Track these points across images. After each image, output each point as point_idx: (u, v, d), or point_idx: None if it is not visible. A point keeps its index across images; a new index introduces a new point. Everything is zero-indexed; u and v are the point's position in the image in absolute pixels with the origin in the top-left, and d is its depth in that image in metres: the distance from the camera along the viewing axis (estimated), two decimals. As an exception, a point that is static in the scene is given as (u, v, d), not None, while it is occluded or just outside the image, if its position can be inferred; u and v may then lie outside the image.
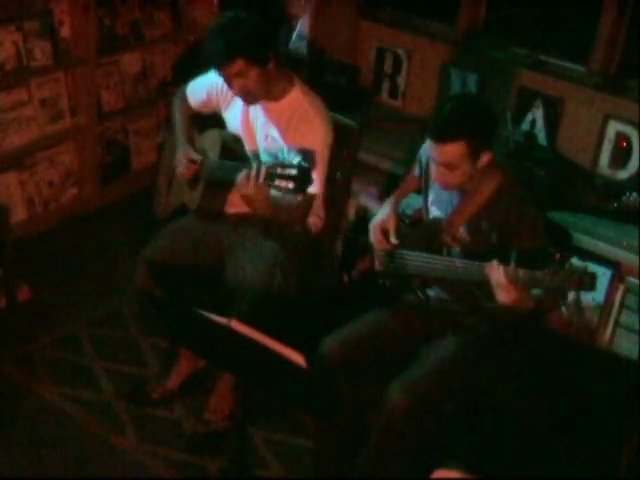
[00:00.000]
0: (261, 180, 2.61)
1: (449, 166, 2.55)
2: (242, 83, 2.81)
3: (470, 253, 2.66)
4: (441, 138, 2.52)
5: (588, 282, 2.36)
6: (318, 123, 2.90)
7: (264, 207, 2.78)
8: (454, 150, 2.51)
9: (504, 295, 2.43)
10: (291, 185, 2.56)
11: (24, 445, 3.05)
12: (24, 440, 3.07)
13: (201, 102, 3.14)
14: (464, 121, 2.52)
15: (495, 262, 2.44)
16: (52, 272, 3.90)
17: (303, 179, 2.57)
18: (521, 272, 2.40)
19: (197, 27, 4.59)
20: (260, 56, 2.79)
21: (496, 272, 2.43)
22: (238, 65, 2.76)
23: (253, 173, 2.64)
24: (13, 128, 3.99)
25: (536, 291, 2.46)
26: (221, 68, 2.80)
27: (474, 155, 2.54)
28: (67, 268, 3.96)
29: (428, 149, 2.61)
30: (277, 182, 2.58)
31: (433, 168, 2.64)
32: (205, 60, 2.87)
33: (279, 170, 2.58)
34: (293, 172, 2.56)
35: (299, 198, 2.63)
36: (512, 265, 2.41)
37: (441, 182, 2.64)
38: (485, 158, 2.57)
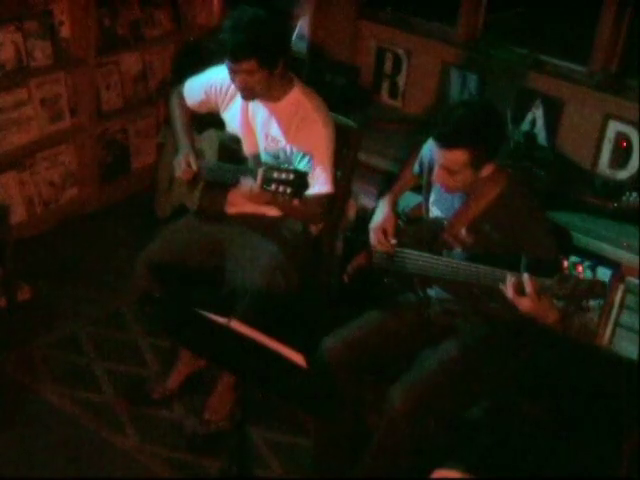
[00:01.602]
0: (258, 184, 2.62)
1: (450, 171, 2.55)
2: (246, 79, 2.82)
3: (471, 254, 2.66)
4: (445, 144, 2.52)
5: (598, 290, 2.36)
6: (320, 122, 2.90)
7: (269, 205, 2.81)
8: (457, 157, 2.51)
9: (522, 304, 2.43)
10: (288, 190, 2.57)
11: (24, 445, 3.05)
12: (24, 440, 3.07)
13: (199, 102, 3.14)
14: (471, 131, 2.51)
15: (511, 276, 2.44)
16: (52, 272, 3.90)
17: (300, 184, 2.57)
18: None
19: (197, 27, 4.59)
20: (272, 62, 2.80)
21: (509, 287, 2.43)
22: (250, 65, 2.77)
23: (251, 179, 2.65)
24: (13, 128, 3.99)
25: (559, 303, 2.46)
26: (233, 61, 2.81)
27: (476, 165, 2.54)
28: (67, 268, 3.96)
29: (432, 150, 2.61)
30: (274, 186, 2.58)
31: (435, 168, 2.64)
32: (202, 58, 2.87)
33: (276, 174, 2.58)
34: (290, 177, 2.57)
35: (295, 202, 2.63)
36: (528, 276, 2.39)
37: (440, 184, 2.64)
38: (487, 169, 2.57)
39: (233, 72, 2.84)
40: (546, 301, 2.40)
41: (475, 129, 2.52)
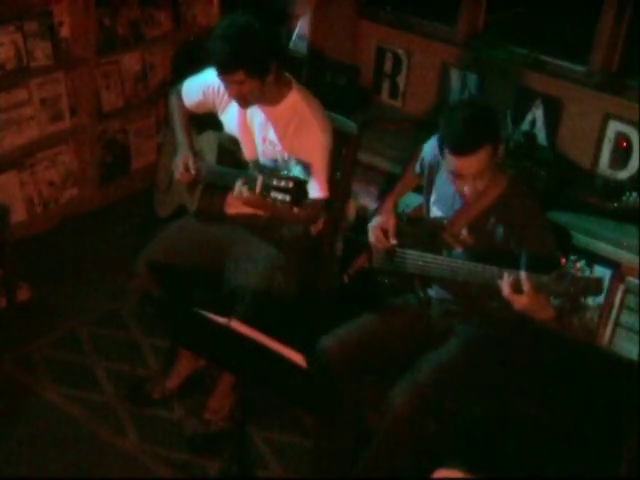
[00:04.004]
0: (257, 191, 2.61)
1: (478, 173, 2.54)
2: (238, 89, 2.82)
3: (471, 254, 2.66)
4: (467, 151, 2.50)
5: (594, 287, 2.36)
6: (317, 128, 2.89)
7: (265, 212, 2.81)
8: (482, 156, 2.50)
9: (518, 301, 2.43)
10: (287, 198, 2.56)
11: (24, 445, 3.05)
12: (24, 440, 3.07)
13: (197, 102, 3.14)
14: (481, 128, 2.52)
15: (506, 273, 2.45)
16: (52, 272, 3.90)
17: (299, 192, 2.57)
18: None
19: (197, 27, 4.59)
20: (262, 71, 2.79)
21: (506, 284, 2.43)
22: (238, 76, 2.76)
23: (248, 187, 2.65)
24: (13, 128, 3.99)
25: (555, 301, 2.46)
26: (220, 73, 2.81)
27: (495, 152, 2.55)
28: (67, 268, 3.96)
29: (452, 166, 2.57)
30: (273, 194, 2.58)
31: (446, 177, 2.63)
32: (206, 58, 2.87)
33: (275, 182, 2.57)
34: (290, 185, 2.56)
35: (295, 210, 2.63)
36: (525, 274, 2.40)
37: (472, 193, 2.60)
38: (501, 150, 2.57)
39: (224, 82, 2.84)
40: (542, 299, 2.40)
41: (483, 125, 2.53)
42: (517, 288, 2.41)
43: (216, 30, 2.81)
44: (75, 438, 3.10)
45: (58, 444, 3.07)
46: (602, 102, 3.59)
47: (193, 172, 2.98)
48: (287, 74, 2.97)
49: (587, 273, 2.39)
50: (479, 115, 2.55)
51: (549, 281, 2.37)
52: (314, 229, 3.13)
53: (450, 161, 2.55)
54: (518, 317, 2.54)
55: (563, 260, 2.39)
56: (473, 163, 2.51)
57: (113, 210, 4.41)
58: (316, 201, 2.88)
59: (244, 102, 2.88)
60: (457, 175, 2.57)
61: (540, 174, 3.45)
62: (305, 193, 2.61)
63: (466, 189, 2.59)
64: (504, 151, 2.60)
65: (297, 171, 2.80)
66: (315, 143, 2.88)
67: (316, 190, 2.84)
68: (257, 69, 2.77)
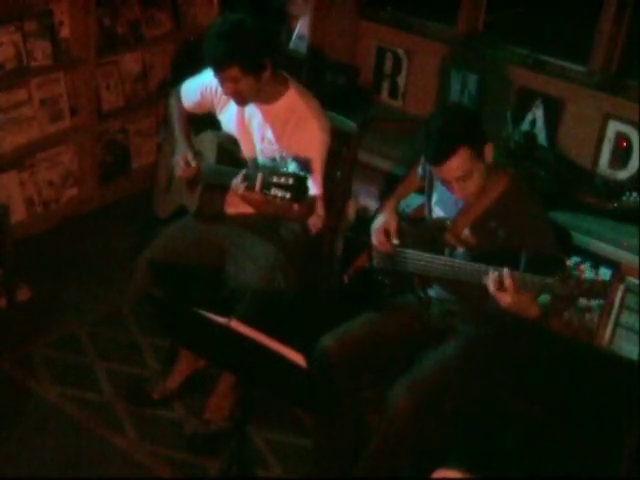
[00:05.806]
0: (257, 189, 2.62)
1: (464, 177, 2.55)
2: (232, 86, 2.82)
3: (474, 255, 2.66)
4: (442, 158, 2.51)
5: (599, 290, 2.36)
6: (315, 126, 2.89)
7: (264, 210, 2.81)
8: (460, 160, 2.51)
9: (502, 298, 2.44)
10: (288, 195, 2.56)
11: (24, 445, 3.05)
12: (24, 440, 3.07)
13: (195, 103, 3.14)
14: (451, 133, 2.52)
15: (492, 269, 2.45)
16: (52, 272, 3.90)
17: (300, 188, 2.57)
18: (530, 278, 2.40)
19: (197, 27, 4.59)
20: (256, 67, 2.79)
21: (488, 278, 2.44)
22: (233, 72, 2.77)
23: (247, 185, 2.65)
24: (13, 128, 3.99)
25: (543, 298, 2.46)
26: (215, 70, 2.81)
27: (478, 153, 2.55)
28: (67, 268, 3.96)
29: (437, 174, 2.60)
30: (273, 191, 2.58)
31: (440, 185, 2.63)
32: (201, 58, 2.88)
33: (275, 179, 2.58)
34: (290, 181, 2.57)
35: (295, 207, 2.63)
36: (508, 271, 2.41)
37: (466, 195, 2.62)
38: (488, 150, 2.58)
39: (220, 80, 2.85)
40: (526, 297, 2.41)
41: (455, 127, 2.54)
42: (501, 285, 2.42)
43: (210, 29, 2.82)
44: (75, 438, 3.10)
45: (58, 444, 3.07)
46: (602, 102, 3.59)
47: (194, 165, 2.97)
48: (284, 72, 2.97)
49: (591, 275, 2.39)
50: (449, 120, 2.56)
51: (554, 283, 2.37)
52: (314, 228, 3.13)
53: (433, 169, 2.59)
54: (518, 317, 2.54)
55: (567, 262, 2.39)
56: (452, 168, 2.53)
57: (113, 210, 4.41)
58: (312, 198, 2.88)
59: (240, 100, 2.89)
60: (442, 181, 2.59)
61: (540, 174, 3.45)
62: (306, 189, 2.61)
63: (457, 193, 2.60)
64: (494, 150, 2.60)
65: (293, 167, 2.81)
66: (313, 141, 2.88)
67: (313, 187, 2.85)
68: (252, 65, 2.78)
